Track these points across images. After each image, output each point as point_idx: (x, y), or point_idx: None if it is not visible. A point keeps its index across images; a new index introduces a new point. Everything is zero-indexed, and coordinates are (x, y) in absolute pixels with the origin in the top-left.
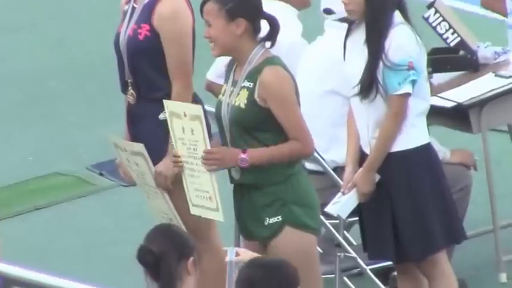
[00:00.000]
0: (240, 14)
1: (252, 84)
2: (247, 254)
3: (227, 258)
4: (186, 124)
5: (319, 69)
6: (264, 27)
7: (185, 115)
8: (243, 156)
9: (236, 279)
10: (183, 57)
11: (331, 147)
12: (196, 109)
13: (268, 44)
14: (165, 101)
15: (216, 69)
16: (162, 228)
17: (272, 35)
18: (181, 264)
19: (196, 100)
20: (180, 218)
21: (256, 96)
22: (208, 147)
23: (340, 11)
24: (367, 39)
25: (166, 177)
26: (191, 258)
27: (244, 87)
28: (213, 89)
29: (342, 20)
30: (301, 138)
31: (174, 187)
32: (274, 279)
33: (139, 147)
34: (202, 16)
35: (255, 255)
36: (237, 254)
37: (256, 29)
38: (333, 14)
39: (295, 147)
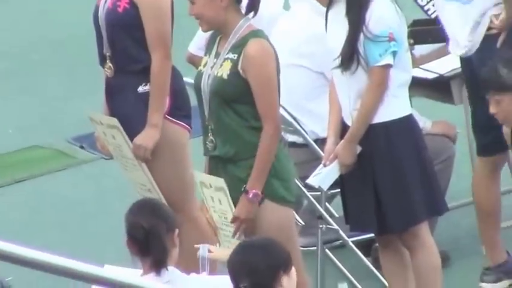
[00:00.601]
0: None
1: (236, 55)
2: (220, 253)
3: (199, 254)
4: (213, 194)
5: (289, 44)
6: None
7: (210, 186)
8: (250, 195)
9: (230, 264)
10: (161, 28)
11: (307, 120)
12: (220, 181)
13: (251, 14)
14: (195, 172)
15: (198, 41)
16: (146, 202)
17: (254, 4)
18: (169, 237)
19: (175, 73)
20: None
21: (239, 67)
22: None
23: None
24: (347, 10)
25: (145, 149)
26: (176, 230)
27: (227, 58)
28: (194, 61)
29: None
30: (269, 118)
31: (152, 158)
32: (273, 259)
33: (114, 121)
34: None
35: (229, 253)
36: (210, 251)
37: (239, 0)
38: None
39: (267, 140)
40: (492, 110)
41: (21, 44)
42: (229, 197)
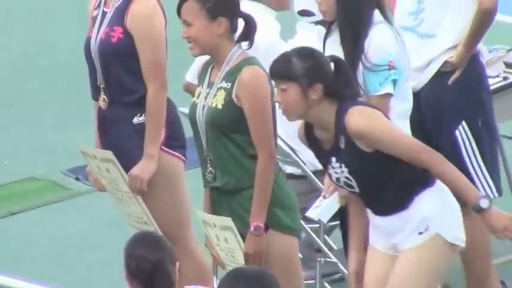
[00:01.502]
0: (221, 13)
1: (229, 84)
2: None
3: None
4: (218, 233)
5: None
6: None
7: (214, 225)
8: (252, 229)
9: None
10: (157, 57)
11: (306, 151)
12: (226, 221)
13: (245, 44)
14: (196, 211)
15: (195, 70)
16: (147, 235)
17: (248, 34)
18: (173, 270)
19: (169, 103)
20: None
21: (233, 96)
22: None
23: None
24: (341, 41)
25: (142, 180)
26: (177, 263)
27: (221, 88)
28: (191, 89)
29: (319, 22)
30: (263, 146)
31: (147, 191)
32: None
33: (109, 154)
34: (179, 16)
35: None
36: None
37: (234, 28)
38: (311, 16)
39: (263, 169)
40: (277, 98)
41: (15, 74)
42: (238, 235)
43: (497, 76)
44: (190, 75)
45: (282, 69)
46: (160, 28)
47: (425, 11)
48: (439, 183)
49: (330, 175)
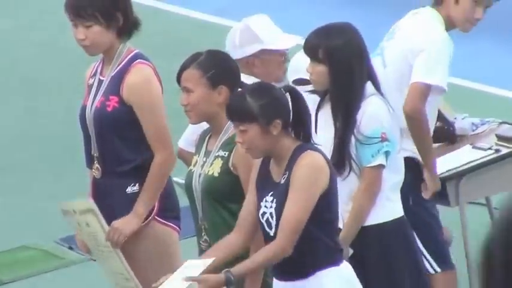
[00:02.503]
0: (222, 82)
1: (226, 153)
2: None
3: None
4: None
5: None
6: None
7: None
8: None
9: None
10: (161, 124)
11: None
12: (87, 204)
13: None
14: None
15: (188, 136)
16: None
17: None
18: None
19: None
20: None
21: (230, 164)
22: None
23: None
24: (333, 114)
25: (121, 234)
26: None
27: (218, 156)
28: (184, 156)
29: (314, 91)
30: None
31: (126, 245)
32: None
33: (88, 204)
34: (178, 83)
35: None
36: None
37: None
38: (307, 85)
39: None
40: (238, 139)
41: (7, 141)
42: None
43: (490, 149)
44: (183, 142)
45: (238, 111)
46: (159, 95)
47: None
48: (345, 264)
49: (259, 207)
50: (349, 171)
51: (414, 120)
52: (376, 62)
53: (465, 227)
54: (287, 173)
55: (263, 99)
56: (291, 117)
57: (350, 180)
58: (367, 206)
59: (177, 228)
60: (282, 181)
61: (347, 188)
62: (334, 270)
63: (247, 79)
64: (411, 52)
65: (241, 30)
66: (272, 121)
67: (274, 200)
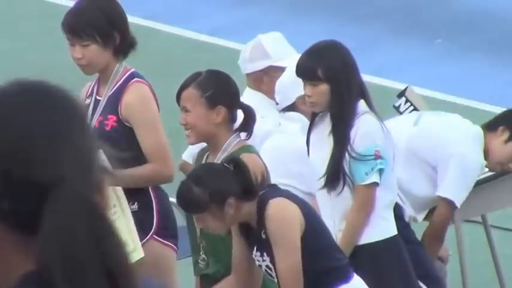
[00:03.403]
0: (220, 102)
1: None
2: None
3: None
4: None
5: (278, 164)
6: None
7: None
8: None
9: None
10: (160, 141)
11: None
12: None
13: (243, 134)
14: None
15: (192, 149)
16: None
17: (247, 125)
18: None
19: (161, 193)
20: None
21: None
22: None
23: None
24: (333, 130)
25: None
26: None
27: None
28: (186, 168)
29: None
30: None
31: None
32: None
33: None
34: (178, 103)
35: None
36: None
37: (233, 118)
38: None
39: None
40: (199, 224)
41: None
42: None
43: (485, 167)
44: (188, 155)
45: (189, 205)
46: (156, 113)
47: None
48: (355, 279)
49: (252, 258)
50: (343, 186)
51: (437, 231)
52: (409, 116)
53: (461, 244)
54: (263, 229)
55: (209, 185)
56: (241, 189)
57: (343, 197)
58: (360, 226)
59: (175, 247)
60: (264, 236)
61: (341, 207)
62: (345, 287)
63: (253, 95)
64: (441, 154)
65: (253, 46)
66: (224, 202)
67: (265, 253)
